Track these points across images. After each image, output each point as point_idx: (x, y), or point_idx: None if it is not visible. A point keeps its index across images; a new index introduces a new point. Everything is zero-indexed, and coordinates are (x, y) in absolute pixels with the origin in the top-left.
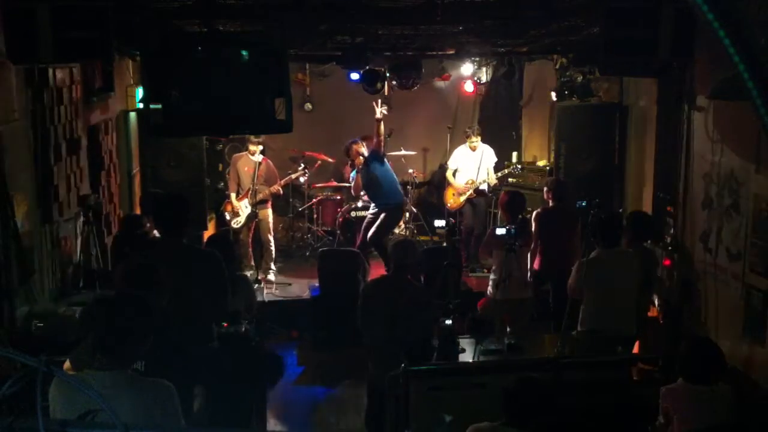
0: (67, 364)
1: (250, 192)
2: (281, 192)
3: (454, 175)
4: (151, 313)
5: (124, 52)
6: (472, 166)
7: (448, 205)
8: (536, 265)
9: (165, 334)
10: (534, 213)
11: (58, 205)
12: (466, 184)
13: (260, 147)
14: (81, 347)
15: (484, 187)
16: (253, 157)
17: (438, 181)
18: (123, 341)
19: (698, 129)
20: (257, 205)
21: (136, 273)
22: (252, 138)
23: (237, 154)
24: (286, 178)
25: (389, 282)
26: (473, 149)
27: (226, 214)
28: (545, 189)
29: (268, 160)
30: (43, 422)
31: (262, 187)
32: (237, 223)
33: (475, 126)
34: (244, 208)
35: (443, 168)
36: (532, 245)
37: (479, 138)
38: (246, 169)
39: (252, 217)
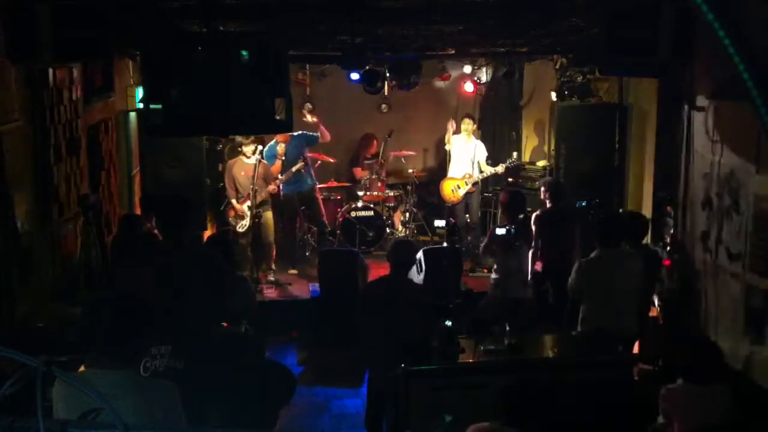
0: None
1: (251, 193)
2: (278, 190)
3: (449, 159)
4: (152, 313)
5: (124, 52)
6: (466, 158)
7: (447, 198)
8: (537, 267)
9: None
10: (533, 216)
11: (58, 205)
12: (464, 177)
13: (253, 146)
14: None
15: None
16: (248, 159)
17: (438, 181)
18: (125, 341)
19: (698, 129)
20: (260, 206)
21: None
22: (244, 140)
23: (230, 161)
24: (287, 173)
25: (388, 282)
26: (466, 134)
27: (230, 219)
28: (542, 190)
29: (263, 161)
30: (43, 422)
31: (261, 187)
32: (242, 227)
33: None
34: (247, 210)
35: (443, 168)
36: (533, 247)
37: (474, 124)
38: (243, 173)
39: (257, 217)
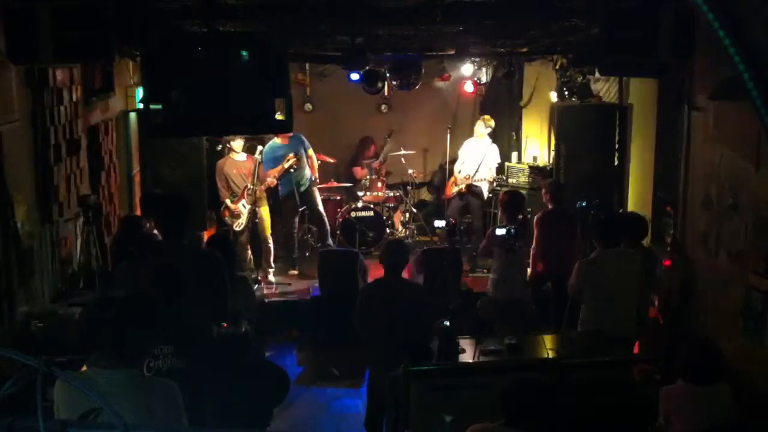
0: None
1: (247, 191)
2: (275, 183)
3: (460, 167)
4: (153, 313)
5: (124, 52)
6: (473, 161)
7: (446, 193)
8: (538, 267)
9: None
10: (535, 217)
11: (58, 206)
12: (464, 178)
13: (241, 141)
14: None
15: (480, 184)
16: (238, 156)
17: (438, 182)
18: (128, 340)
19: (698, 129)
20: (256, 203)
21: (161, 274)
22: (232, 137)
23: (220, 161)
24: (278, 167)
25: (386, 284)
26: (479, 137)
27: (226, 219)
28: (543, 191)
29: (258, 159)
30: (44, 422)
31: (256, 185)
32: (239, 225)
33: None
34: (243, 208)
35: (443, 168)
36: (534, 248)
37: (488, 126)
38: (234, 171)
39: (253, 216)
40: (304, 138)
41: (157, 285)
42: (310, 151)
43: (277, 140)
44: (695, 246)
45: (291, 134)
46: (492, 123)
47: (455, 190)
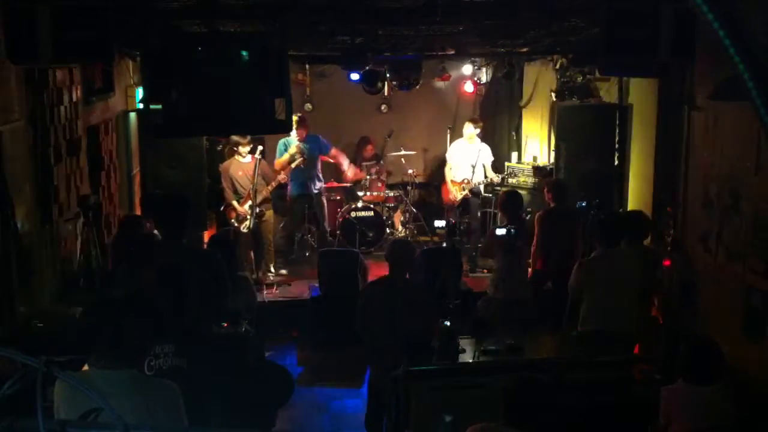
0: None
1: (251, 192)
2: (286, 179)
3: (450, 169)
4: (153, 313)
5: (124, 52)
6: (467, 163)
7: (445, 200)
8: (539, 266)
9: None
10: (537, 215)
11: (58, 206)
12: (462, 182)
13: (249, 147)
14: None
15: (480, 187)
16: (243, 159)
17: (438, 182)
18: (128, 340)
19: (698, 129)
20: (261, 205)
21: (164, 273)
22: (241, 140)
23: (225, 163)
24: (283, 159)
25: (388, 283)
26: (468, 139)
27: (232, 220)
28: (545, 190)
29: (259, 158)
30: (44, 422)
31: (261, 186)
32: (245, 227)
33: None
34: (248, 210)
35: (443, 168)
36: (534, 246)
37: (478, 127)
38: (240, 173)
39: (259, 216)
40: (322, 140)
41: (161, 285)
42: (333, 150)
43: (293, 135)
44: (695, 246)
45: (307, 133)
46: (480, 124)
47: (461, 195)
